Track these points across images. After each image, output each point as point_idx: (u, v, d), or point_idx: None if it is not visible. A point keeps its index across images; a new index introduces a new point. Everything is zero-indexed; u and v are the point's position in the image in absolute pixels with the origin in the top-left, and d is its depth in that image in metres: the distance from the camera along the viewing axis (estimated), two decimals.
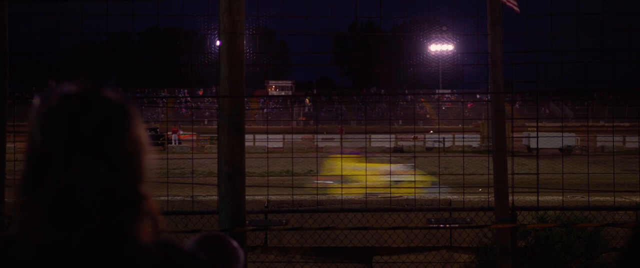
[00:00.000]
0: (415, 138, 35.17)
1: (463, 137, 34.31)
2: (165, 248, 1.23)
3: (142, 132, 1.21)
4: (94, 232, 1.12)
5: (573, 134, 37.16)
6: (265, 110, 64.49)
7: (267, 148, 25.37)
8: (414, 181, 8.30)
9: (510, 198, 5.49)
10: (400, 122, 59.09)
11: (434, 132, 42.37)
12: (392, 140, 35.76)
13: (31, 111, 1.17)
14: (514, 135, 7.10)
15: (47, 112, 1.15)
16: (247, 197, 4.48)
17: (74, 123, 1.13)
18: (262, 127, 45.89)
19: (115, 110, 1.18)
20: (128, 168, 1.16)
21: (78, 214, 1.12)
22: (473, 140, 37.12)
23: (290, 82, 77.27)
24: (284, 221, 6.74)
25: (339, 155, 12.00)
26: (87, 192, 1.12)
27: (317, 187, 7.84)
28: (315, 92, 62.38)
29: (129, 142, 1.17)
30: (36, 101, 1.17)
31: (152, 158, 1.22)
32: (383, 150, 28.75)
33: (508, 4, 5.58)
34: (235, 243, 2.24)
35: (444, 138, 35.62)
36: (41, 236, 1.12)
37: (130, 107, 1.20)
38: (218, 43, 4.45)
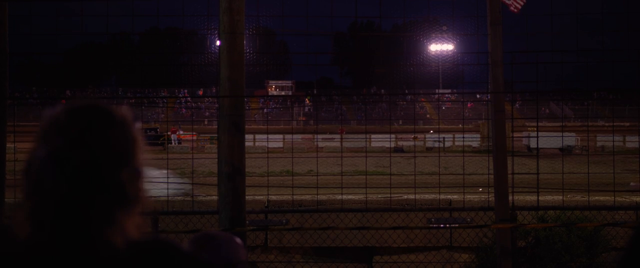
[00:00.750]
0: (415, 138, 35.17)
1: (463, 137, 34.33)
2: (163, 247, 1.24)
3: (125, 137, 1.25)
4: (70, 225, 1.16)
5: (573, 134, 37.14)
6: (265, 110, 64.50)
7: (267, 148, 25.37)
8: (414, 181, 8.30)
9: (510, 198, 5.49)
10: (401, 122, 59.08)
11: (434, 131, 42.36)
12: (392, 140, 35.74)
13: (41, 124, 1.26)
14: (514, 135, 7.10)
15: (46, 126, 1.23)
16: (247, 197, 4.48)
17: (62, 129, 1.21)
18: (262, 127, 45.87)
19: (107, 122, 1.24)
20: (113, 162, 1.20)
21: (55, 207, 1.16)
22: (473, 140, 37.11)
23: (290, 82, 77.22)
24: (284, 221, 6.74)
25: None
26: (50, 167, 1.17)
27: (318, 187, 7.82)
28: (315, 92, 62.36)
29: (110, 141, 1.22)
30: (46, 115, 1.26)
31: (143, 158, 1.26)
32: (383, 150, 28.73)
33: (511, 6, 5.57)
34: (239, 241, 2.24)
35: (444, 138, 35.61)
36: (23, 230, 1.17)
37: (115, 113, 1.26)
38: (218, 43, 4.45)
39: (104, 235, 1.16)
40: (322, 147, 33.11)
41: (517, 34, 6.40)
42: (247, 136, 4.52)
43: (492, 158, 5.49)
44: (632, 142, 33.61)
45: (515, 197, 5.77)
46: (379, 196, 7.87)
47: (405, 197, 7.75)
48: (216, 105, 5.04)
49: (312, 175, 7.30)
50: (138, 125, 1.28)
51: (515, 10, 5.50)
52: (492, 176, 5.46)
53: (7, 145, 4.78)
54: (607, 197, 7.07)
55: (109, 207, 1.17)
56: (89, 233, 1.15)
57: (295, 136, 40.01)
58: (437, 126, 47.63)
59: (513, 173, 5.62)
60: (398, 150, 32.97)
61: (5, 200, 4.68)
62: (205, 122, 57.79)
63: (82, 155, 1.16)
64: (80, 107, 1.24)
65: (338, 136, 39.17)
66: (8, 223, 1.21)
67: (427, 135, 40.94)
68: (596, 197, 7.27)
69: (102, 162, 1.18)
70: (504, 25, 5.42)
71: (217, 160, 4.39)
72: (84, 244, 1.15)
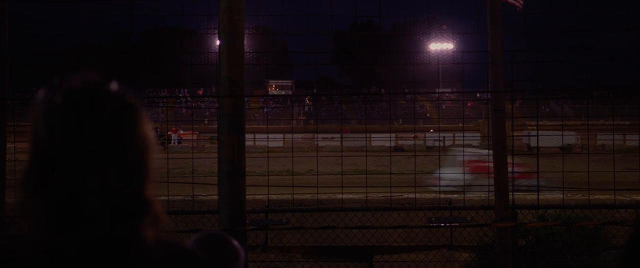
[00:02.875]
0: (415, 137, 35.17)
1: (463, 136, 34.38)
2: (168, 248, 1.23)
3: (149, 129, 1.18)
4: (98, 237, 1.10)
5: (573, 133, 37.11)
6: (265, 109, 64.49)
7: (267, 147, 25.35)
8: (414, 180, 8.30)
9: (510, 196, 5.50)
10: (401, 121, 59.06)
11: (434, 131, 42.34)
12: (392, 139, 35.74)
13: (35, 105, 1.12)
14: (514, 134, 7.10)
15: (54, 108, 1.10)
16: (247, 196, 4.48)
17: (81, 123, 1.09)
18: (262, 126, 45.85)
19: (123, 107, 1.14)
20: (136, 171, 1.13)
21: (83, 219, 1.09)
22: (473, 139, 37.09)
23: (290, 81, 77.19)
24: (284, 220, 6.74)
25: None
26: (94, 200, 1.08)
27: (318, 186, 7.83)
28: (315, 91, 62.34)
29: (136, 141, 1.14)
30: (41, 94, 1.12)
31: (157, 157, 1.19)
32: (383, 149, 28.73)
33: (511, 1, 5.57)
34: (235, 242, 2.23)
35: (444, 137, 35.61)
36: (46, 239, 1.11)
37: (137, 102, 1.16)
38: (218, 43, 4.45)
39: (110, 235, 1.13)
40: (322, 147, 33.11)
41: (516, 33, 6.40)
42: (247, 135, 4.52)
43: (492, 157, 5.49)
44: (632, 140, 33.59)
45: (516, 196, 5.77)
46: (379, 195, 7.87)
47: (406, 196, 7.75)
48: (216, 105, 5.04)
49: (313, 175, 7.30)
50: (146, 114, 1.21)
51: (518, 7, 5.50)
52: (492, 175, 5.46)
53: (7, 145, 4.78)
54: (608, 196, 7.07)
55: (118, 207, 1.13)
56: (95, 234, 1.12)
57: (295, 135, 39.98)
58: (437, 125, 47.60)
59: (513, 172, 5.62)
60: (398, 149, 32.98)
61: (6, 200, 4.68)
62: (206, 122, 57.75)
63: (91, 151, 1.09)
64: (89, 91, 1.12)
65: (338, 135, 39.17)
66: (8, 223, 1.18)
67: (427, 134, 40.94)
68: (596, 196, 7.27)
69: (113, 158, 1.10)
70: (504, 23, 5.43)
71: (217, 159, 4.39)
72: (88, 245, 1.12)
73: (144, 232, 1.14)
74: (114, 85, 1.14)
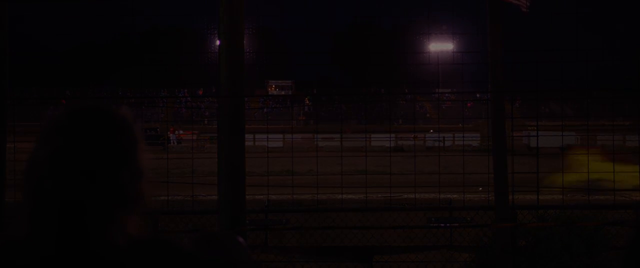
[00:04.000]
0: (415, 137, 35.17)
1: (463, 136, 34.36)
2: (164, 246, 1.24)
3: (123, 143, 1.25)
4: (70, 225, 1.17)
5: (573, 133, 37.08)
6: (265, 109, 64.48)
7: (267, 147, 25.37)
8: (414, 180, 8.29)
9: (510, 197, 5.49)
10: (401, 121, 59.08)
11: (434, 131, 42.31)
12: (392, 139, 35.71)
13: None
14: (514, 134, 7.11)
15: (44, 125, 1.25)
16: (247, 196, 4.48)
17: (63, 130, 1.22)
18: (262, 126, 45.81)
19: (98, 117, 1.25)
20: (113, 163, 1.21)
21: (48, 207, 1.17)
22: (473, 139, 37.05)
23: (290, 81, 77.16)
24: (284, 221, 6.74)
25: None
26: (46, 179, 1.17)
27: (318, 186, 7.83)
28: (315, 91, 62.33)
29: (98, 148, 1.22)
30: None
31: (144, 159, 1.26)
32: (383, 149, 28.71)
33: (523, 7, 5.56)
34: (241, 240, 2.21)
35: (443, 137, 35.60)
36: (22, 231, 1.19)
37: (116, 114, 1.26)
38: (218, 43, 4.45)
39: (105, 235, 1.16)
40: (322, 147, 33.07)
41: (517, 33, 6.41)
42: (247, 135, 4.52)
43: (491, 158, 5.49)
44: (632, 141, 33.54)
45: (516, 196, 5.77)
46: (379, 195, 7.88)
47: (406, 196, 7.76)
48: (216, 105, 5.04)
49: (312, 175, 7.30)
50: (139, 125, 1.28)
51: (525, 9, 5.49)
52: (492, 175, 5.46)
53: (7, 145, 4.78)
54: (607, 196, 7.07)
55: (110, 207, 1.17)
56: (89, 233, 1.16)
57: (295, 136, 39.94)
58: (437, 125, 47.60)
59: (513, 172, 5.61)
60: (398, 149, 32.99)
61: (6, 200, 4.67)
62: (205, 122, 57.71)
63: (81, 156, 1.17)
64: (81, 109, 1.25)
65: (338, 136, 39.13)
66: (8, 223, 1.23)
67: (427, 135, 40.91)
68: (596, 196, 7.27)
69: (102, 163, 1.18)
70: (505, 23, 5.42)
71: (217, 159, 4.39)
72: (84, 244, 1.16)
73: (123, 225, 1.20)
74: (98, 107, 1.28)
